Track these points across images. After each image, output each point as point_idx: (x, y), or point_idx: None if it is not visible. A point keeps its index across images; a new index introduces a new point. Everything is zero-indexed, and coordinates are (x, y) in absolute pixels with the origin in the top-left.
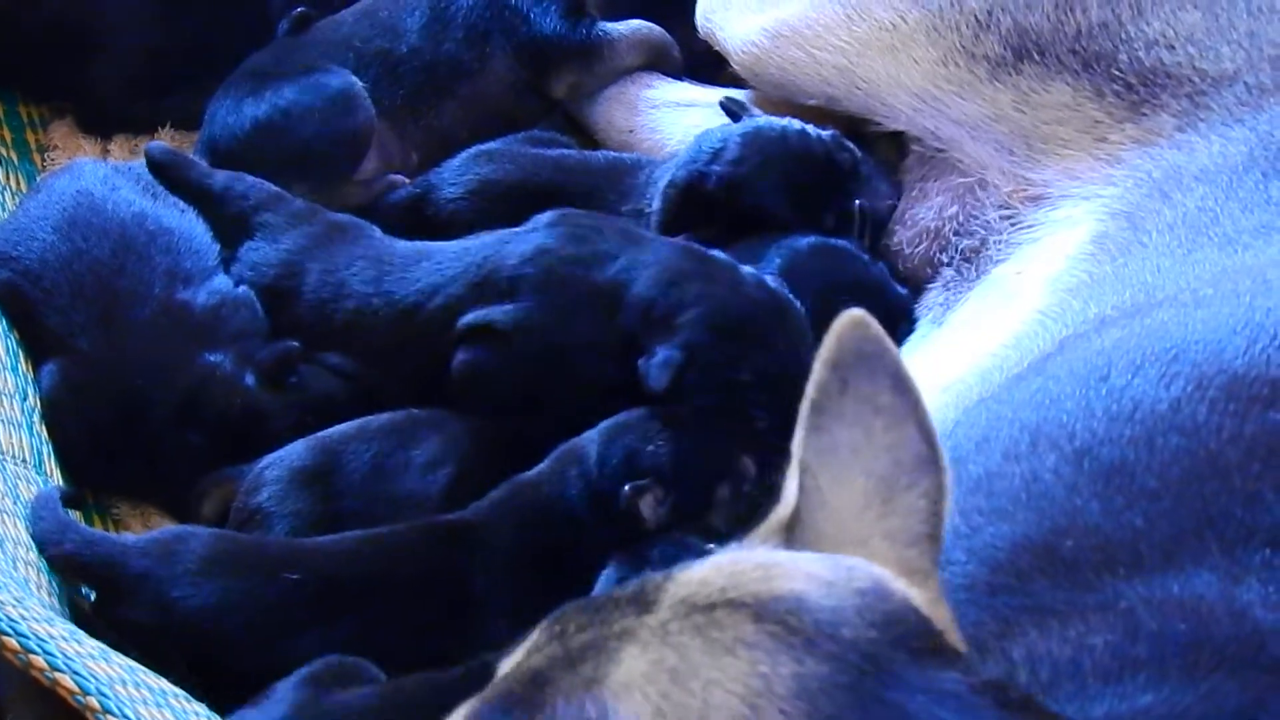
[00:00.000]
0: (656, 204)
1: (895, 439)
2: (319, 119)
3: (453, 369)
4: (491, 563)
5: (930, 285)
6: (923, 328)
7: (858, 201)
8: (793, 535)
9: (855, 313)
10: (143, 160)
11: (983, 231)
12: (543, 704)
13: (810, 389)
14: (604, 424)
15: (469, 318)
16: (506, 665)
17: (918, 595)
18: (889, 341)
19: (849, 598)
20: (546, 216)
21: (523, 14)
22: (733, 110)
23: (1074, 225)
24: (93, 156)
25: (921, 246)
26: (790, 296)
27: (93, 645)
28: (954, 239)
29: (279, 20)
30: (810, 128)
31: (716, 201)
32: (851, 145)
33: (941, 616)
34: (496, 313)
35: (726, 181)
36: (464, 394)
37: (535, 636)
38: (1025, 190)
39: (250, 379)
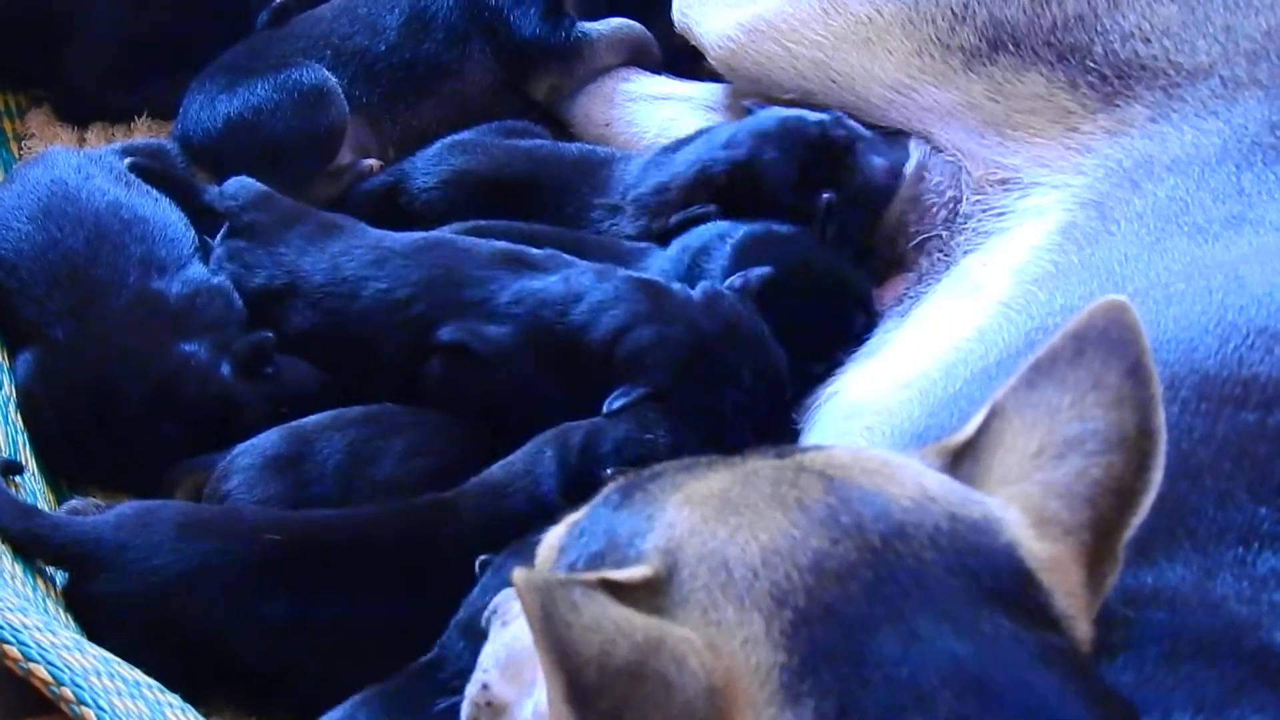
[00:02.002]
0: (643, 190)
1: (1103, 414)
2: (290, 115)
3: (425, 378)
4: (462, 534)
5: (905, 274)
6: (893, 320)
7: (825, 196)
8: (957, 461)
9: (1117, 298)
10: (117, 146)
11: (958, 220)
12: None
13: (1042, 349)
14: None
15: (447, 334)
16: None
17: (1041, 548)
18: (1141, 333)
19: (938, 518)
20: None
21: (502, 15)
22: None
23: (1042, 215)
24: (70, 145)
25: (897, 230)
26: (740, 309)
27: (67, 636)
28: (934, 225)
29: (259, 11)
30: (806, 112)
31: (725, 188)
32: (851, 123)
33: (1060, 579)
34: (472, 337)
35: (732, 168)
36: (436, 400)
37: None
38: (995, 174)
39: (225, 369)
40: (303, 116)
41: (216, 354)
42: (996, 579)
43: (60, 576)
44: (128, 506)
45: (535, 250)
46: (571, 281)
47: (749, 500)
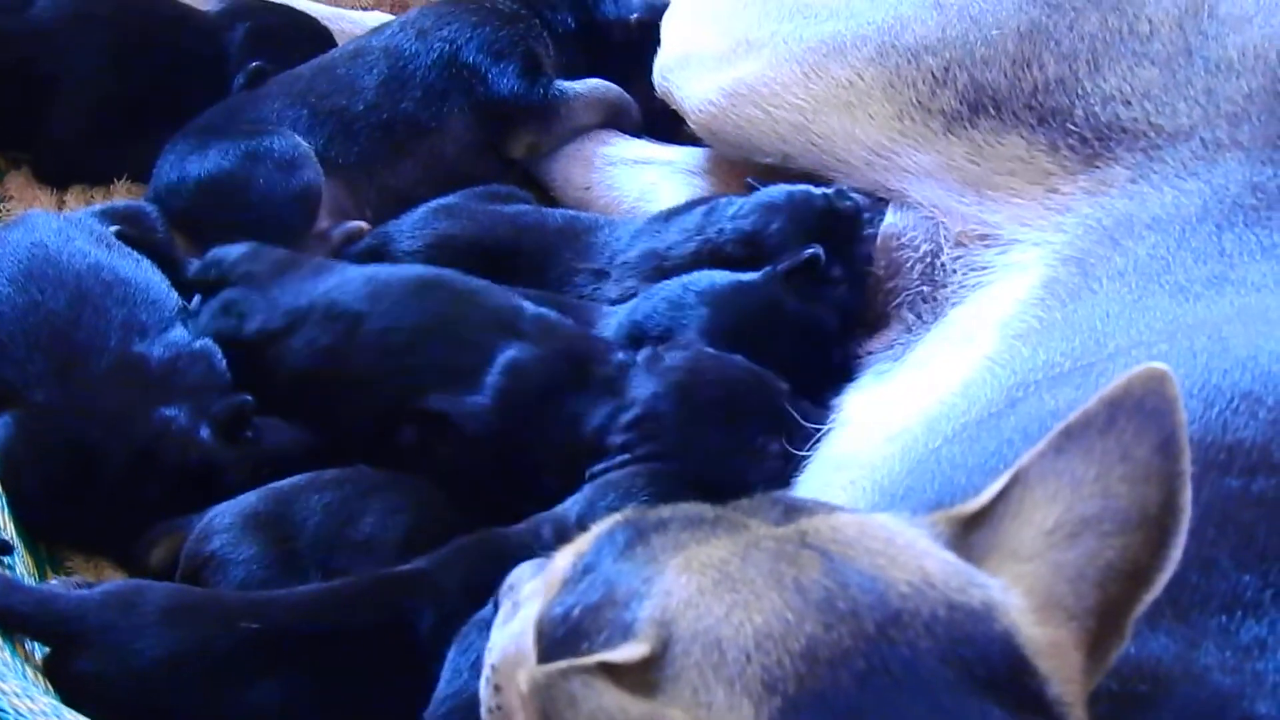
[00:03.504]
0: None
1: (1126, 491)
2: (264, 181)
3: (401, 441)
4: (442, 605)
5: (890, 328)
6: (878, 372)
7: (808, 250)
8: (971, 527)
9: (1157, 367)
10: (96, 208)
11: (939, 274)
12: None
13: (1075, 415)
14: (588, 486)
15: (430, 402)
16: None
17: (1042, 634)
18: (1179, 406)
19: (936, 604)
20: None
21: (481, 73)
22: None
23: (1024, 270)
24: (49, 208)
25: (875, 288)
26: (690, 375)
27: (45, 702)
28: (912, 281)
29: (236, 74)
30: (811, 185)
31: (728, 260)
32: (854, 194)
33: (1059, 665)
34: (451, 407)
35: (742, 240)
36: (412, 465)
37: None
38: (975, 230)
39: (206, 432)
40: (276, 182)
41: (197, 418)
42: (991, 668)
43: (40, 648)
44: (114, 585)
45: (530, 310)
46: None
47: (747, 577)
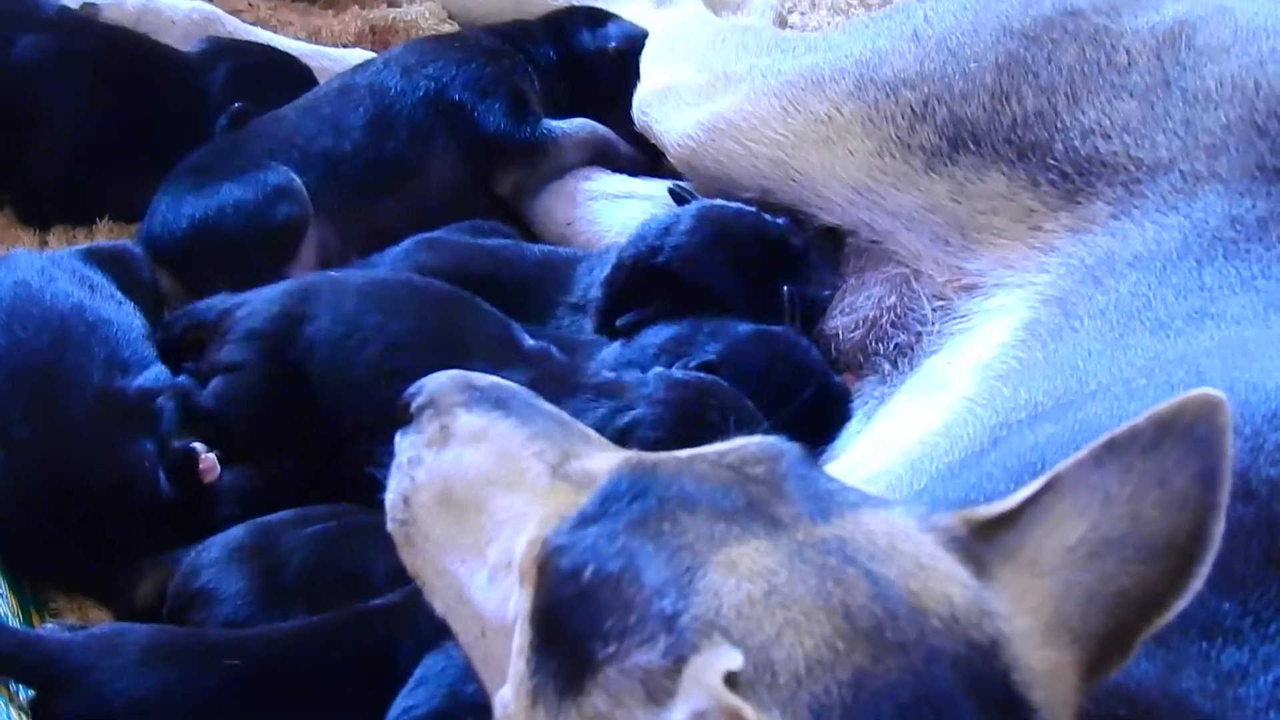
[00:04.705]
0: (596, 291)
1: (1156, 518)
2: (250, 212)
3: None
4: (419, 636)
5: (866, 377)
6: (857, 420)
7: (785, 288)
8: (994, 529)
9: (1213, 394)
10: (79, 249)
11: (918, 325)
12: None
13: (1124, 426)
14: None
15: None
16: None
17: (1042, 659)
18: (1227, 438)
19: (960, 643)
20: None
21: (467, 111)
22: (680, 196)
23: (1006, 313)
24: (31, 248)
25: (858, 334)
26: (705, 378)
27: None
28: (890, 330)
29: (218, 114)
30: (762, 213)
31: (664, 278)
32: (801, 233)
33: (1052, 693)
34: None
35: (678, 255)
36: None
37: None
38: (959, 280)
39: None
40: (261, 213)
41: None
42: (992, 704)
43: (25, 690)
44: (103, 628)
45: (530, 344)
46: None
47: (796, 594)
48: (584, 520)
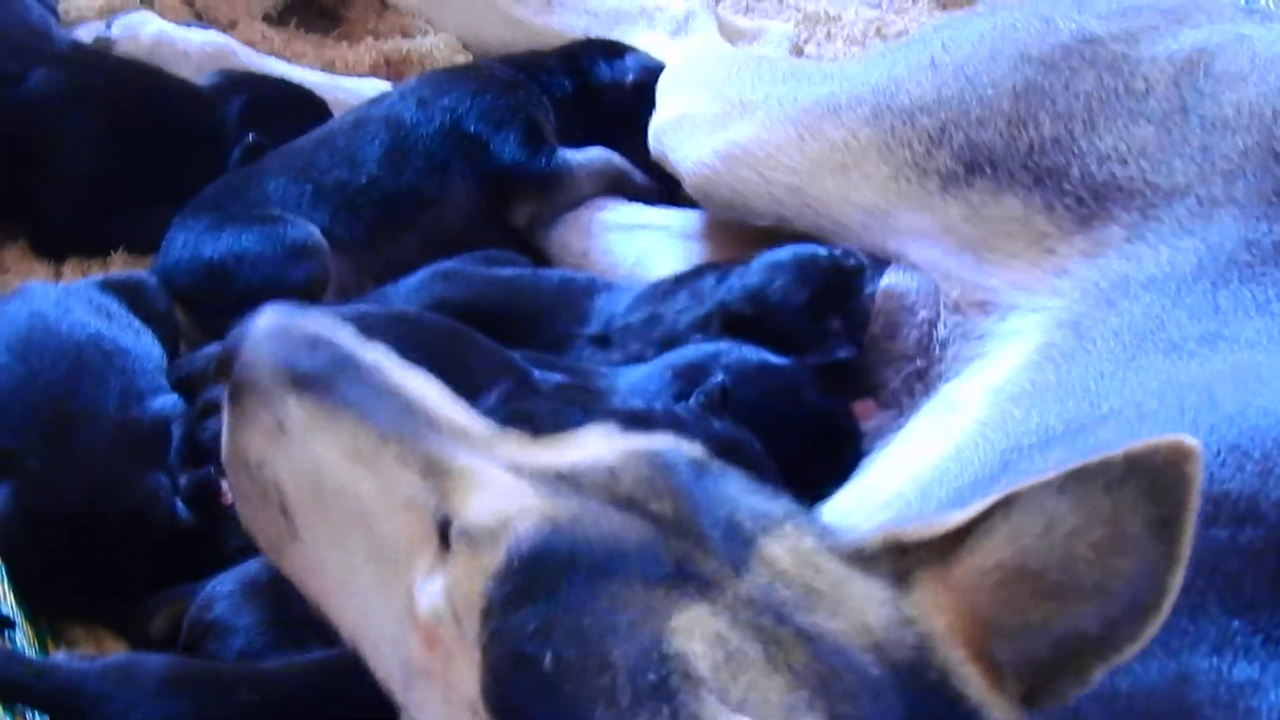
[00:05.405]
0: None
1: (1089, 560)
2: (271, 267)
3: None
4: None
5: (886, 409)
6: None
7: (842, 351)
8: (928, 551)
9: (1187, 442)
10: (95, 279)
11: (935, 346)
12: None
13: (1098, 457)
14: None
15: None
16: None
17: (975, 690)
18: (1194, 489)
19: (897, 686)
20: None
21: (483, 143)
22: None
23: (1020, 336)
24: (46, 279)
25: (872, 350)
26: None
27: None
28: (908, 349)
29: (232, 147)
30: (817, 245)
31: (737, 320)
32: (858, 253)
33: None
34: None
35: (747, 298)
36: None
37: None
38: (974, 295)
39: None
40: (282, 270)
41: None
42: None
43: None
44: (119, 658)
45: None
46: None
47: (750, 659)
48: (516, 598)
